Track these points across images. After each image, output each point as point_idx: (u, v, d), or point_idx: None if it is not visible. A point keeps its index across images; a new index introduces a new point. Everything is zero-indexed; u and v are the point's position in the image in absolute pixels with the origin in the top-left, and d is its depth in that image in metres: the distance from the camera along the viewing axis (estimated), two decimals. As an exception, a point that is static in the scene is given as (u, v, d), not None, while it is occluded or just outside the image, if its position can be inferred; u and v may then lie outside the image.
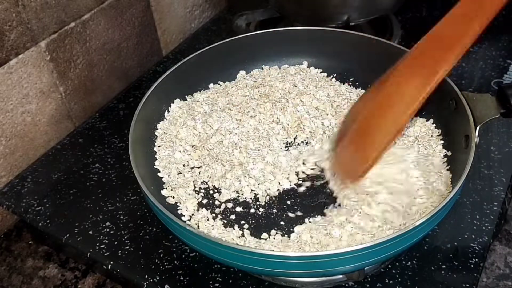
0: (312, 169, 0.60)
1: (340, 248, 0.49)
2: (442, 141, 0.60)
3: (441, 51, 0.49)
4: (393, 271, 0.54)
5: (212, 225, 0.55)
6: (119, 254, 0.57)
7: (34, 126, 0.69)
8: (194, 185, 0.59)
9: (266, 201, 0.57)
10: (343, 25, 0.78)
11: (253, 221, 0.55)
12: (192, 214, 0.56)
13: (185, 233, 0.48)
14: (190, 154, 0.62)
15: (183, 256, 0.56)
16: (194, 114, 0.66)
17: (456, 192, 0.48)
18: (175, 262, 0.56)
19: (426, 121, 0.63)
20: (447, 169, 0.57)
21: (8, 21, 0.61)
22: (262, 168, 0.60)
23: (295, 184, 0.59)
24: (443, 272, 0.53)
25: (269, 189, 0.58)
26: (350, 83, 0.72)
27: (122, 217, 0.61)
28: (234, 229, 0.54)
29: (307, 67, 0.74)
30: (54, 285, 0.59)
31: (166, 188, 0.58)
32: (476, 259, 0.54)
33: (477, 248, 0.55)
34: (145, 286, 0.54)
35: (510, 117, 0.53)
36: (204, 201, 0.58)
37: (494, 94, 0.55)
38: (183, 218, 0.55)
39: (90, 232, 0.59)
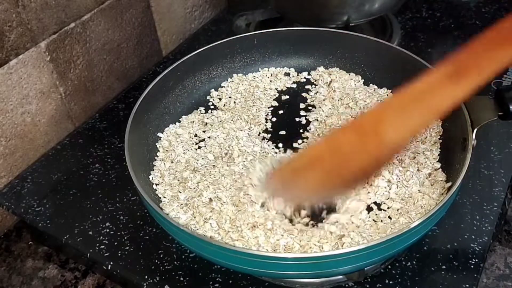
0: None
1: (339, 249, 0.49)
2: (440, 142, 0.61)
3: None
4: (393, 272, 0.54)
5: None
6: (119, 254, 0.57)
7: (34, 127, 0.69)
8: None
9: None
10: (343, 25, 0.78)
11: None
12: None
13: (181, 234, 0.48)
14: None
15: (183, 256, 0.56)
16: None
17: (452, 195, 0.48)
18: (175, 262, 0.56)
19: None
20: (443, 170, 0.57)
21: (8, 22, 0.61)
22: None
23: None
24: (443, 272, 0.53)
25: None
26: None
27: (122, 217, 0.61)
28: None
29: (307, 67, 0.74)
30: (54, 285, 0.59)
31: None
32: (476, 260, 0.54)
33: (477, 249, 0.55)
34: (145, 286, 0.54)
35: (508, 119, 0.53)
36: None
37: (493, 95, 0.55)
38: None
39: (90, 233, 0.59)
